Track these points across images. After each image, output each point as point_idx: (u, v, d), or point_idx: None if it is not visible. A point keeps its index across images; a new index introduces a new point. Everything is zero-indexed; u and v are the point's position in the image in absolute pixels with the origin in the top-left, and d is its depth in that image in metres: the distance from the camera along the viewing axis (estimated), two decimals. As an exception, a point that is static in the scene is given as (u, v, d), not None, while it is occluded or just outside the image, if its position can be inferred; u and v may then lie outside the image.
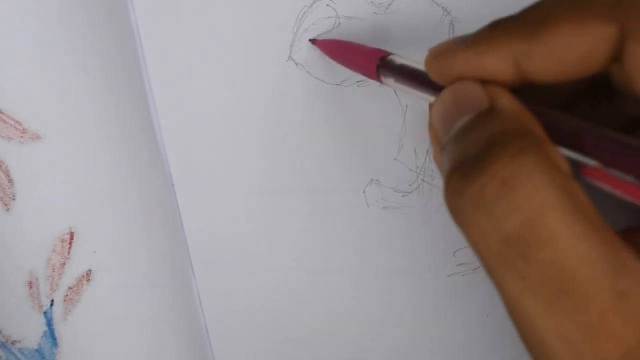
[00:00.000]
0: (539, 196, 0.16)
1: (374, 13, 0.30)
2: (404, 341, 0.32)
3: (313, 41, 0.29)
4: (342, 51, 0.28)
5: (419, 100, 0.23)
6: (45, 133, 0.27)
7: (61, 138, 0.28)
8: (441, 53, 0.20)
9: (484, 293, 0.32)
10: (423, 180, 0.31)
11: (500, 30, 0.19)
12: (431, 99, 0.22)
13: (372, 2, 0.30)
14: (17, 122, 0.27)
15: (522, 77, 0.19)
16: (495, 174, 0.17)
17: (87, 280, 0.28)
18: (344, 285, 0.31)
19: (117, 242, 0.29)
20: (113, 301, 0.29)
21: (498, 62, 0.19)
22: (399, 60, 0.24)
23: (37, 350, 0.28)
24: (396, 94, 0.31)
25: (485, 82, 0.20)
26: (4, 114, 0.27)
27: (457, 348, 0.33)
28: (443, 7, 0.30)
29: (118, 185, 0.29)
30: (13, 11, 0.27)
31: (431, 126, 0.21)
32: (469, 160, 0.18)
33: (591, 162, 0.17)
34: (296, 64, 0.30)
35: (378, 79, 0.25)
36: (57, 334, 0.28)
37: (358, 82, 0.30)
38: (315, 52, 0.30)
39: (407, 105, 0.31)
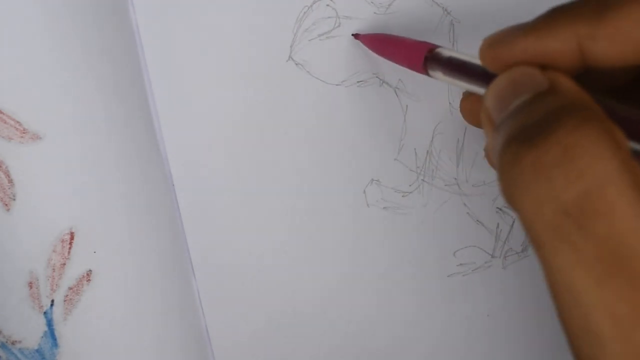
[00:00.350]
0: (601, 167, 0.16)
1: (374, 13, 0.30)
2: (404, 341, 0.32)
3: (356, 35, 0.29)
4: (386, 45, 0.28)
5: (458, 93, 0.23)
6: (45, 133, 0.27)
7: (61, 138, 0.28)
8: (497, 41, 0.20)
9: (484, 293, 0.32)
10: (423, 180, 0.31)
11: (561, 14, 0.19)
12: (482, 90, 0.21)
13: (372, 2, 0.30)
14: (17, 122, 0.27)
15: (584, 61, 0.19)
16: (557, 141, 0.16)
17: (87, 280, 0.28)
18: (344, 285, 0.31)
19: (117, 242, 0.29)
20: (113, 301, 0.29)
21: (561, 45, 0.19)
22: (447, 52, 0.24)
23: (37, 350, 0.28)
24: (396, 94, 0.31)
25: (543, 68, 0.19)
26: (4, 114, 0.27)
27: (457, 348, 0.33)
28: (443, 7, 0.30)
29: (118, 185, 0.29)
30: (13, 12, 0.27)
31: (484, 110, 0.20)
32: (529, 128, 0.17)
33: None
34: (296, 64, 0.30)
35: (425, 72, 0.25)
36: (57, 334, 0.28)
37: (358, 82, 0.30)
38: (315, 52, 0.30)
39: (407, 105, 0.31)
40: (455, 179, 0.32)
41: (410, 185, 0.31)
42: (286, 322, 0.31)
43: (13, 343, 0.28)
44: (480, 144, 0.32)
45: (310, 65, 0.30)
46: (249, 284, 0.31)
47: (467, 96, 0.26)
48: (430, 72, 0.24)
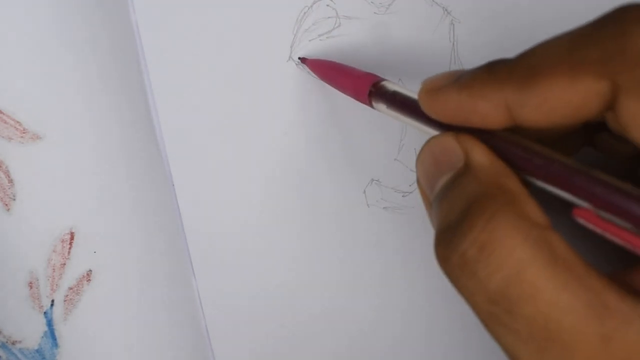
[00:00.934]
0: (515, 255, 0.17)
1: (374, 13, 0.30)
2: (404, 341, 0.32)
3: (302, 59, 0.29)
4: (332, 72, 0.28)
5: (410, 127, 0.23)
6: (45, 133, 0.27)
7: (61, 138, 0.28)
8: (434, 90, 0.21)
9: (484, 293, 0.32)
10: (423, 180, 0.31)
11: (494, 75, 0.20)
12: (424, 128, 0.22)
13: (372, 2, 0.30)
14: (17, 122, 0.27)
15: (514, 122, 0.20)
16: (473, 240, 0.18)
17: (87, 280, 0.28)
18: (344, 285, 0.31)
19: (117, 242, 0.29)
20: (113, 301, 0.29)
21: (490, 108, 0.20)
22: (391, 86, 0.24)
23: (37, 350, 0.28)
24: (396, 94, 0.31)
25: (460, 135, 0.20)
26: (4, 114, 0.27)
27: (457, 348, 0.33)
28: (443, 7, 0.30)
29: (118, 185, 0.29)
30: (13, 12, 0.27)
31: (419, 183, 0.22)
32: (449, 227, 0.19)
33: (582, 204, 0.18)
34: (296, 64, 0.30)
35: (369, 104, 0.25)
36: (57, 334, 0.28)
37: (358, 82, 0.30)
38: (316, 52, 0.30)
39: (407, 105, 0.31)
40: (455, 179, 0.32)
41: (410, 185, 0.31)
42: (286, 321, 0.31)
43: (13, 343, 0.28)
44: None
45: (310, 65, 0.30)
46: (249, 284, 0.31)
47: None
48: (375, 105, 0.25)
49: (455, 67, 0.31)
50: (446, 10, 0.30)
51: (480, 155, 0.20)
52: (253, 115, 0.30)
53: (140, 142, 0.29)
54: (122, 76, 0.29)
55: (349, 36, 0.30)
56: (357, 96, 0.26)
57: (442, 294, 0.32)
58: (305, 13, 0.30)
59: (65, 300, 0.28)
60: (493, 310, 0.18)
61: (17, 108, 0.27)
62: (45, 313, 0.28)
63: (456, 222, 0.19)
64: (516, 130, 0.20)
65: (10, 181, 0.27)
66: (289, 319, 0.31)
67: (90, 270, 0.28)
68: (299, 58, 0.29)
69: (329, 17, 0.30)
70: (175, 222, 0.30)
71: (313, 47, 0.30)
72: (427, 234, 0.32)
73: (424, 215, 0.32)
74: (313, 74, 0.30)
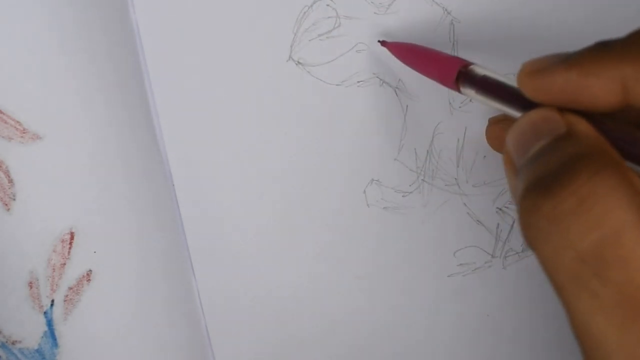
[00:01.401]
0: (617, 215, 0.16)
1: (374, 13, 0.30)
2: (404, 341, 0.32)
3: (382, 42, 0.29)
4: (414, 56, 0.28)
5: (497, 111, 0.23)
6: (45, 133, 0.27)
7: (61, 138, 0.28)
8: (537, 70, 0.20)
9: (484, 293, 0.32)
10: (423, 180, 0.31)
11: (609, 52, 0.19)
12: (514, 113, 0.21)
13: (372, 2, 0.30)
14: (17, 122, 0.27)
15: (626, 101, 0.19)
16: (573, 191, 0.17)
17: (87, 280, 0.28)
18: (344, 284, 0.31)
19: (117, 242, 0.29)
20: (113, 301, 0.29)
21: (603, 86, 0.19)
22: (481, 70, 0.23)
23: (37, 350, 0.28)
24: (396, 94, 0.31)
25: (562, 110, 0.20)
26: (4, 114, 0.27)
27: (457, 348, 0.33)
28: (443, 7, 0.30)
29: (118, 185, 0.29)
30: (13, 12, 0.27)
31: (506, 153, 0.21)
32: (546, 177, 0.18)
33: None
34: (296, 64, 0.30)
35: (457, 89, 0.24)
36: (57, 334, 0.28)
37: (358, 82, 0.30)
38: (315, 52, 0.30)
39: (407, 105, 0.31)
40: (455, 179, 0.32)
41: (410, 185, 0.31)
42: (286, 322, 0.31)
43: (13, 343, 0.28)
44: (481, 144, 0.32)
45: (310, 65, 0.30)
46: (249, 284, 0.31)
47: (493, 123, 0.26)
48: (462, 90, 0.24)
49: (455, 67, 0.31)
50: (446, 10, 0.30)
51: (584, 125, 0.19)
52: (253, 115, 0.30)
53: (140, 142, 0.29)
54: (122, 76, 0.29)
55: (349, 36, 0.30)
56: (443, 81, 0.25)
57: (442, 294, 0.32)
58: (305, 13, 0.30)
59: (65, 300, 0.28)
60: (579, 271, 0.17)
61: (17, 108, 0.27)
62: (45, 313, 0.28)
63: (555, 173, 0.18)
64: (621, 116, 0.19)
65: (10, 181, 0.27)
66: (289, 319, 0.31)
67: (90, 270, 0.28)
68: (379, 41, 0.29)
69: (329, 17, 0.30)
70: (175, 222, 0.30)
71: (313, 47, 0.30)
72: (427, 234, 0.32)
73: (424, 215, 0.32)
74: (312, 74, 0.30)
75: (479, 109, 0.31)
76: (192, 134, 0.29)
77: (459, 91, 0.24)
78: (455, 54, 0.31)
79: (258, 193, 0.30)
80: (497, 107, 0.23)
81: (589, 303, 0.17)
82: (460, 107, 0.31)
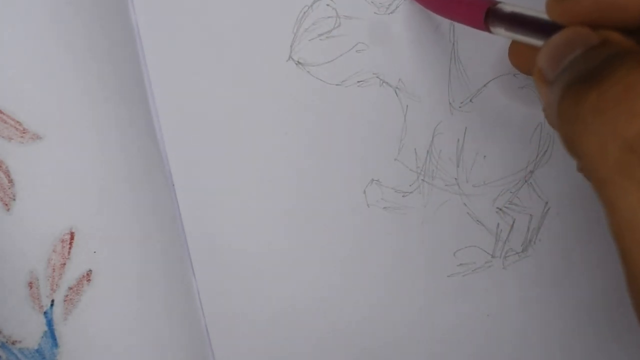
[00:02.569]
0: None
1: (374, 13, 0.30)
2: (404, 341, 0.32)
3: None
4: (443, 2, 0.28)
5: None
6: (45, 133, 0.27)
7: (61, 138, 0.28)
8: None
9: (484, 293, 0.32)
10: (423, 180, 0.31)
11: None
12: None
13: (372, 2, 0.30)
14: (17, 122, 0.27)
15: None
16: (618, 79, 0.17)
17: (87, 280, 0.28)
18: (344, 285, 0.31)
19: (117, 242, 0.29)
20: (113, 301, 0.29)
21: None
22: (508, 7, 0.24)
23: (37, 350, 0.28)
24: (396, 94, 0.31)
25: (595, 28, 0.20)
26: (4, 114, 0.27)
27: (457, 348, 0.33)
28: None
29: (118, 185, 0.29)
30: (13, 12, 0.27)
31: (537, 71, 0.21)
32: (589, 71, 0.17)
33: None
34: (296, 64, 0.30)
35: (487, 29, 0.24)
36: (57, 334, 0.28)
37: (358, 82, 0.30)
38: (315, 52, 0.30)
39: (407, 105, 0.31)
40: (455, 179, 0.32)
41: (410, 185, 0.31)
42: (286, 322, 0.31)
43: (13, 343, 0.28)
44: (481, 144, 0.32)
45: (310, 65, 0.30)
46: (249, 284, 0.31)
47: (516, 42, 0.26)
48: (492, 29, 0.24)
49: (455, 67, 0.31)
50: None
51: (617, 35, 0.19)
52: (253, 115, 0.30)
53: (140, 142, 0.29)
54: (122, 76, 0.29)
55: (349, 36, 0.30)
56: (472, 23, 0.25)
57: (442, 294, 0.32)
58: (305, 13, 0.30)
59: (65, 300, 0.28)
60: (627, 160, 0.16)
61: (17, 108, 0.27)
62: (45, 313, 0.28)
63: (599, 66, 0.17)
64: None
65: (10, 181, 0.27)
66: (289, 319, 0.31)
67: (90, 270, 0.28)
68: None
69: (329, 17, 0.30)
70: (175, 222, 0.30)
71: (313, 47, 0.30)
72: (427, 234, 0.32)
73: (424, 215, 0.32)
74: (312, 74, 0.30)
75: (479, 109, 0.31)
76: (192, 134, 0.29)
77: (489, 31, 0.24)
78: (456, 54, 0.31)
79: (258, 193, 0.30)
80: (528, 42, 0.23)
81: (636, 194, 0.16)
82: (460, 107, 0.31)
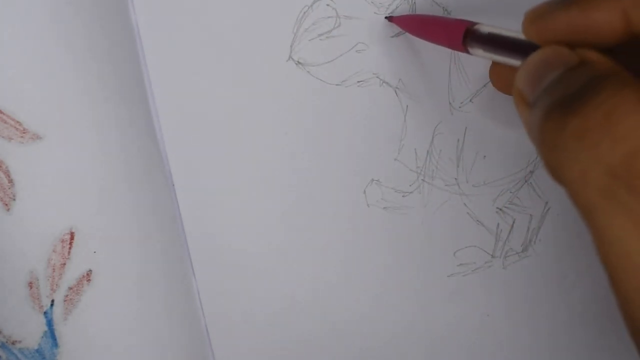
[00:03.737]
0: None
1: (374, 13, 0.30)
2: (404, 340, 0.32)
3: (389, 18, 0.29)
4: (422, 25, 0.28)
5: (505, 66, 0.23)
6: (45, 133, 0.27)
7: (61, 138, 0.28)
8: (539, 16, 0.21)
9: (484, 293, 0.32)
10: (423, 180, 0.31)
11: None
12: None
13: (372, 2, 0.30)
14: (17, 122, 0.27)
15: (629, 30, 0.19)
16: (598, 105, 0.16)
17: (87, 280, 0.28)
18: (344, 285, 0.31)
19: (117, 242, 0.29)
20: (113, 301, 0.29)
21: (606, 16, 0.19)
22: (486, 28, 0.24)
23: (37, 350, 0.28)
24: (396, 94, 0.31)
25: (572, 46, 0.20)
26: (4, 114, 0.27)
27: (457, 348, 0.33)
28: (443, 7, 0.30)
29: (118, 185, 0.29)
30: (13, 12, 0.27)
31: (516, 92, 0.21)
32: (568, 97, 0.17)
33: None
34: (296, 64, 0.30)
35: (465, 50, 0.25)
36: (57, 334, 0.28)
37: (358, 82, 0.30)
38: (315, 52, 0.30)
39: (407, 106, 0.31)
40: (455, 179, 0.32)
41: (410, 185, 0.31)
42: (286, 322, 0.31)
43: (13, 343, 0.28)
44: (481, 144, 0.32)
45: (310, 65, 0.30)
46: (249, 284, 0.31)
47: (497, 63, 0.26)
48: (470, 50, 0.25)
49: (455, 67, 0.31)
50: (446, 10, 0.30)
51: (595, 54, 0.19)
52: (253, 115, 0.30)
53: (140, 142, 0.29)
54: (122, 76, 0.29)
55: (349, 36, 0.30)
56: (451, 45, 0.26)
57: (442, 294, 0.32)
58: (305, 13, 0.30)
59: (65, 300, 0.28)
60: (609, 186, 0.16)
61: (17, 108, 0.27)
62: (45, 313, 0.28)
63: (577, 92, 0.17)
64: (627, 51, 0.20)
65: (10, 181, 0.27)
66: (289, 319, 0.31)
67: (90, 270, 0.28)
68: (386, 17, 0.29)
69: (329, 17, 0.30)
70: (175, 222, 0.30)
71: (313, 47, 0.30)
72: (427, 234, 0.32)
73: (424, 215, 0.32)
74: (312, 74, 0.30)
75: (479, 109, 0.31)
76: (192, 134, 0.29)
77: (468, 52, 0.25)
78: (456, 54, 0.31)
79: (258, 193, 0.30)
80: (506, 62, 0.23)
81: (621, 219, 0.16)
82: (460, 107, 0.31)
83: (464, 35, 0.25)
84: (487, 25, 0.24)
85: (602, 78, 0.17)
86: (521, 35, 0.22)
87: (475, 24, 0.25)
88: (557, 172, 0.18)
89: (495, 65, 0.26)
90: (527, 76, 0.20)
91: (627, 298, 0.17)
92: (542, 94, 0.19)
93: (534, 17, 0.21)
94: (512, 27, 0.23)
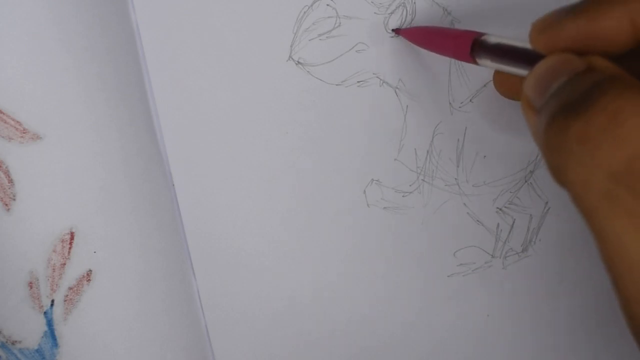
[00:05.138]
0: None
1: (374, 13, 0.30)
2: (404, 340, 0.32)
3: (397, 30, 0.29)
4: (430, 37, 0.28)
5: (512, 76, 0.23)
6: (45, 133, 0.27)
7: (61, 138, 0.28)
8: (547, 26, 0.21)
9: (484, 293, 0.32)
10: (423, 180, 0.31)
11: None
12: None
13: (372, 2, 0.30)
14: (17, 122, 0.27)
15: (637, 37, 0.19)
16: (602, 108, 0.17)
17: (87, 280, 0.28)
18: (344, 284, 0.31)
19: (117, 242, 0.29)
20: (113, 301, 0.29)
21: (614, 24, 0.19)
22: (493, 39, 0.24)
23: (37, 350, 0.28)
24: (396, 94, 0.31)
25: (579, 54, 0.20)
26: (4, 114, 0.27)
27: (457, 348, 0.33)
28: (443, 7, 0.30)
29: (118, 185, 0.29)
30: (14, 11, 0.27)
31: (524, 99, 0.21)
32: (572, 101, 0.18)
33: None
34: (296, 64, 0.30)
35: (473, 61, 0.25)
36: (57, 334, 0.28)
37: (358, 82, 0.30)
38: (315, 52, 0.30)
39: (407, 106, 0.31)
40: (456, 179, 0.32)
41: (410, 185, 0.31)
42: (286, 322, 0.31)
43: (13, 343, 0.28)
44: (481, 144, 0.32)
45: (310, 65, 0.30)
46: (249, 284, 0.31)
47: (500, 71, 0.26)
48: (478, 61, 0.25)
49: (455, 67, 0.31)
50: (446, 10, 0.30)
51: (602, 60, 0.19)
52: (253, 115, 0.30)
53: (140, 142, 0.29)
54: (122, 76, 0.29)
55: (349, 36, 0.30)
56: (458, 56, 0.26)
57: (442, 294, 0.32)
58: (305, 13, 0.30)
59: (65, 300, 0.28)
60: (612, 189, 0.16)
61: (17, 108, 0.27)
62: (45, 313, 0.28)
63: (582, 96, 0.17)
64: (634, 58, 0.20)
65: (10, 181, 0.27)
66: (289, 319, 0.31)
67: (90, 270, 0.28)
68: (393, 30, 0.29)
69: (329, 17, 0.30)
70: (175, 222, 0.30)
71: (313, 47, 0.30)
72: (427, 234, 0.32)
73: (424, 215, 0.32)
74: (312, 74, 0.30)
75: (479, 109, 0.31)
76: (192, 134, 0.29)
77: (476, 62, 0.25)
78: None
79: (258, 193, 0.30)
80: (514, 72, 0.23)
81: (624, 221, 0.16)
82: (460, 107, 0.31)
83: (472, 47, 0.25)
84: (494, 35, 0.24)
85: (605, 82, 0.18)
86: (528, 45, 0.22)
87: (482, 34, 0.25)
88: (560, 175, 0.18)
89: (498, 72, 0.26)
90: (535, 83, 0.20)
91: (629, 298, 0.17)
92: (548, 100, 0.19)
93: (542, 27, 0.21)
94: (512, 31, 0.23)
